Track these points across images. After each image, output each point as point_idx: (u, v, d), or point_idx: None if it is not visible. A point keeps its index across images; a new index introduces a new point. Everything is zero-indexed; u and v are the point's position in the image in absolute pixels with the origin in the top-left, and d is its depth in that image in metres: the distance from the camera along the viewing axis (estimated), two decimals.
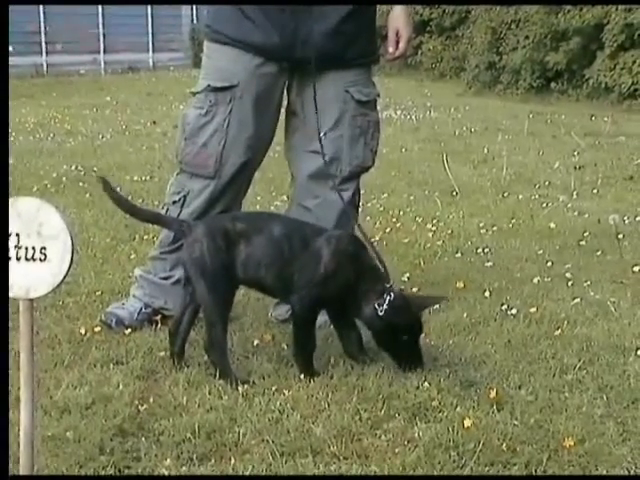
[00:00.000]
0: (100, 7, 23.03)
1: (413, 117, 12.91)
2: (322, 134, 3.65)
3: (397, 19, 3.75)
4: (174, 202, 3.71)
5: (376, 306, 3.18)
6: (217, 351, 3.23)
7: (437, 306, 3.90)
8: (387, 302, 3.18)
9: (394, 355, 3.26)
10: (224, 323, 3.25)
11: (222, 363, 3.22)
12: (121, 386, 3.10)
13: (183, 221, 3.43)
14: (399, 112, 13.28)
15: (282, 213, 3.63)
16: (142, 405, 2.96)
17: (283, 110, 3.83)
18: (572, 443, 2.66)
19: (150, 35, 24.77)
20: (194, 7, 24.77)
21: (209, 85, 3.63)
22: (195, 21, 24.59)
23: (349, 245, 3.25)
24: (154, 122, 11.83)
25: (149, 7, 24.34)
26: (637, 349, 3.49)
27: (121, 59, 23.38)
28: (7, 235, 2.14)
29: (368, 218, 5.78)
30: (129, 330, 3.65)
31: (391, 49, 3.77)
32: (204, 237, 3.23)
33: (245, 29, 3.58)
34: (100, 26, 23.51)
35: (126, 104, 14.32)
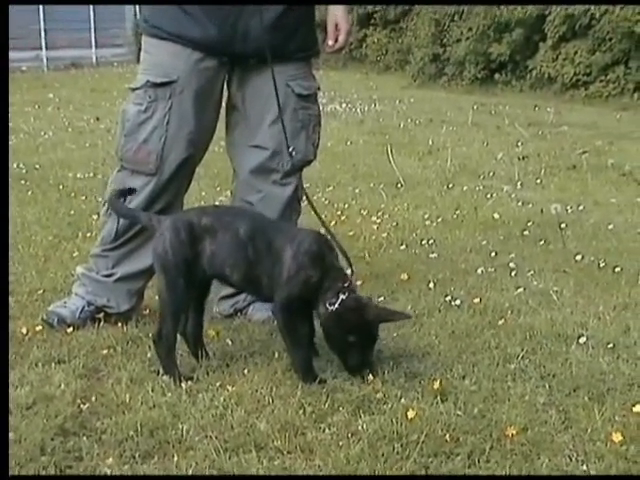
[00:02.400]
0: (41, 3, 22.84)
1: (358, 110, 12.94)
2: (291, 150, 3.68)
3: (336, 12, 3.73)
4: None
5: (328, 304, 3.12)
6: (164, 346, 3.21)
7: (382, 298, 3.91)
8: (339, 301, 3.11)
9: (339, 355, 3.19)
10: (176, 320, 3.23)
11: (167, 359, 3.20)
12: (63, 385, 3.07)
13: (152, 215, 3.37)
14: (344, 105, 13.31)
15: (250, 208, 3.59)
16: (84, 404, 2.93)
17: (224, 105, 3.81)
18: (515, 432, 2.67)
19: (93, 31, 24.59)
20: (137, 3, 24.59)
21: (148, 81, 3.59)
22: (138, 16, 24.44)
23: (312, 245, 3.16)
24: (97, 118, 11.74)
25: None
26: (579, 337, 3.52)
27: (63, 55, 23.20)
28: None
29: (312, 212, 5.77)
30: (71, 329, 3.62)
31: (330, 42, 3.75)
32: (168, 231, 3.20)
33: (184, 24, 3.56)
34: (41, 22, 23.31)
35: (69, 101, 14.21)
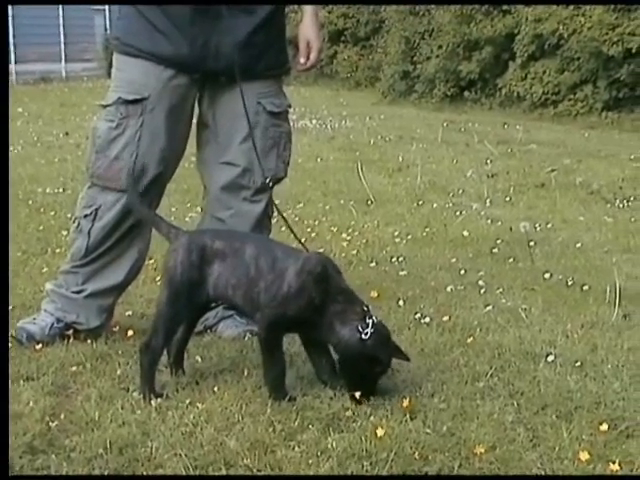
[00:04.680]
0: (10, 16, 22.79)
1: (329, 126, 12.98)
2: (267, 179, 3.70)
3: (307, 30, 3.75)
4: (86, 216, 3.66)
5: (359, 328, 3.05)
6: (150, 357, 3.18)
7: None
8: (371, 325, 3.06)
9: (354, 383, 3.10)
10: (168, 335, 3.22)
11: (148, 370, 3.18)
12: (31, 403, 3.05)
13: (172, 227, 3.33)
14: (315, 121, 13.35)
15: (264, 236, 3.66)
16: (53, 421, 2.91)
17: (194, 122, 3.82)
18: (483, 450, 2.68)
19: (62, 45, 24.54)
20: (107, 16, 24.61)
21: (120, 98, 3.59)
22: (108, 31, 24.44)
23: (316, 266, 3.11)
24: (67, 133, 11.72)
25: (61, 17, 24.14)
26: (547, 355, 3.54)
27: (33, 69, 23.14)
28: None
29: (283, 228, 5.78)
30: (40, 345, 3.59)
31: (302, 60, 3.77)
32: (181, 249, 3.19)
33: (156, 41, 3.56)
34: (10, 36, 23.24)
35: (38, 115, 14.16)
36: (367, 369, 3.09)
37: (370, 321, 3.07)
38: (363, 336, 3.05)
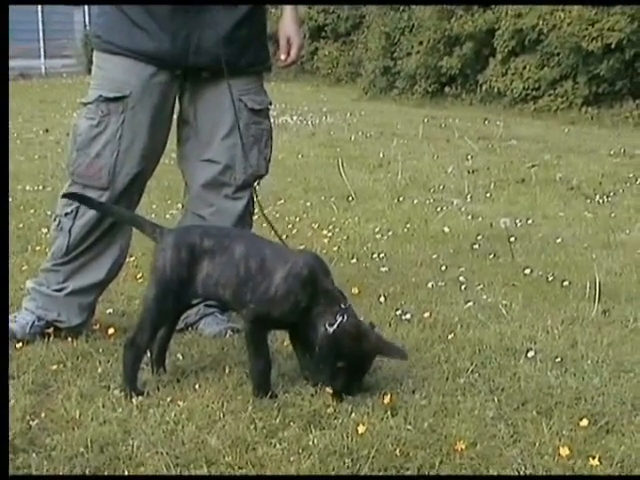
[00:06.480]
0: None
1: (309, 123, 12.97)
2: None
3: (288, 26, 3.75)
4: (66, 214, 3.64)
5: (327, 325, 3.10)
6: (134, 354, 3.18)
7: None
8: (338, 323, 3.09)
9: (326, 376, 3.15)
10: (154, 332, 3.22)
11: (131, 367, 3.18)
12: (12, 401, 3.03)
13: (157, 227, 3.32)
14: (295, 118, 13.34)
15: (252, 232, 3.67)
16: (33, 420, 2.90)
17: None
18: (464, 446, 2.69)
19: (42, 41, 24.41)
20: (86, 13, 24.51)
21: (101, 95, 3.57)
22: (88, 27, 24.35)
23: (303, 269, 3.13)
24: (47, 130, 11.66)
25: (40, 13, 24.00)
26: (527, 351, 3.55)
27: (12, 65, 22.96)
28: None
29: (264, 225, 5.77)
30: (20, 344, 3.58)
31: (283, 56, 3.77)
32: (170, 248, 3.19)
33: (137, 38, 3.55)
34: None
35: (18, 112, 14.06)
36: (327, 363, 3.12)
37: (340, 318, 3.09)
38: (328, 332, 3.09)
